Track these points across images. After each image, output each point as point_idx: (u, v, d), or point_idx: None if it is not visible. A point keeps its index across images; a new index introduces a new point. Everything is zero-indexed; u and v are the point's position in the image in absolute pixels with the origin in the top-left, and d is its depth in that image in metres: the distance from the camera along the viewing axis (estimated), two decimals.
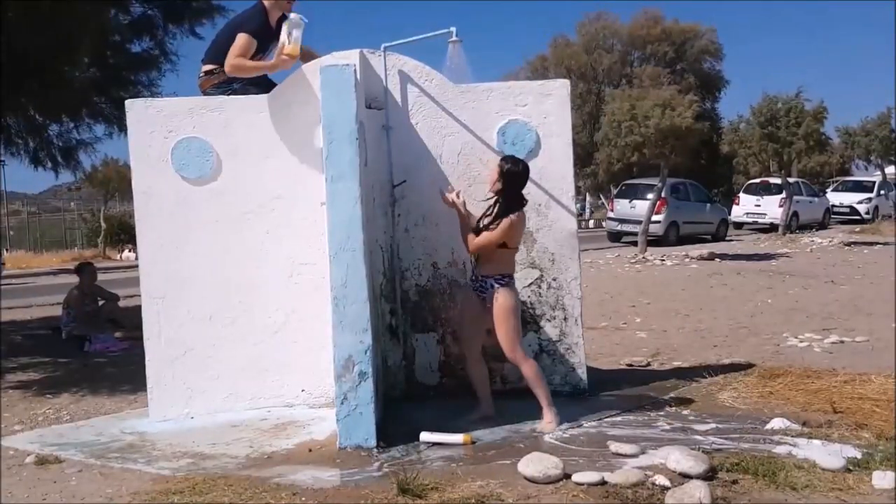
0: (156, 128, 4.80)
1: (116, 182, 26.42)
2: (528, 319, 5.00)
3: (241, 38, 4.89)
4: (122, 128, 6.96)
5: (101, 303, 8.36)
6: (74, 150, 8.74)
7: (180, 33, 8.51)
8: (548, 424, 4.22)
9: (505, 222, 4.22)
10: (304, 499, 3.37)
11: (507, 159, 4.38)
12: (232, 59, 4.88)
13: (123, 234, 24.88)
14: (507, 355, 4.27)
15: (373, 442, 3.96)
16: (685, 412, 4.54)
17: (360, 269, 4.02)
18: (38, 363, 7.06)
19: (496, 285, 4.24)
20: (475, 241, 4.30)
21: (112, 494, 3.57)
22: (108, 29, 7.35)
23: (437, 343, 5.04)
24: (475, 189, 4.98)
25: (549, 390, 4.33)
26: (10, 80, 6.38)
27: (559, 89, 5.02)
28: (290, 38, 4.80)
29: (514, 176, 4.27)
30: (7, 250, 25.68)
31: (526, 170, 4.35)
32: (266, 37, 4.99)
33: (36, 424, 4.95)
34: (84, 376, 6.36)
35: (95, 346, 7.59)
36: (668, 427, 4.25)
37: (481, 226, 4.32)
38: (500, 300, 4.22)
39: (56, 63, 6.61)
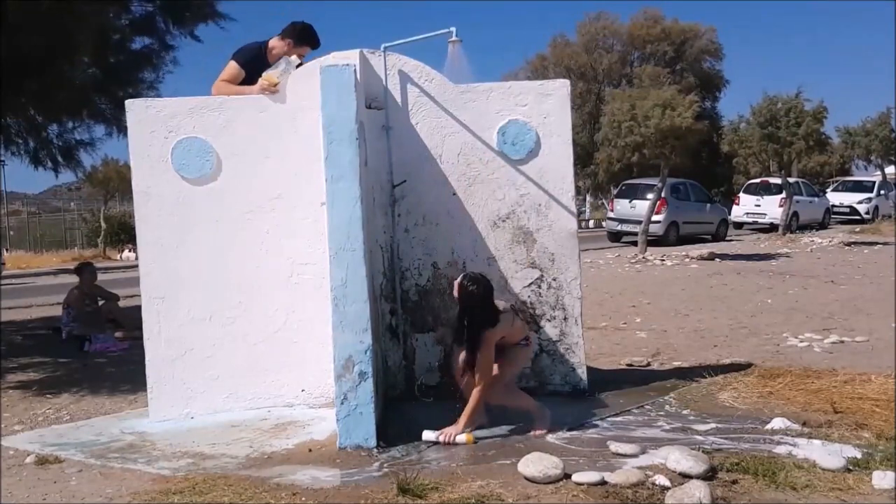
0: (156, 128, 4.80)
1: (116, 182, 26.40)
2: (527, 319, 4.99)
3: (229, 66, 5.07)
4: (122, 128, 6.95)
5: (101, 303, 8.36)
6: (74, 149, 8.73)
7: (181, 35, 8.50)
8: (540, 424, 4.19)
9: (484, 337, 4.01)
10: (304, 499, 3.37)
11: (464, 277, 4.10)
12: (216, 82, 5.07)
13: (123, 234, 24.90)
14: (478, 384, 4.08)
15: (373, 442, 3.96)
16: (685, 412, 4.54)
17: (360, 269, 4.02)
18: (38, 363, 7.06)
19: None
20: (480, 374, 4.05)
21: (112, 494, 3.57)
22: (109, 28, 7.34)
23: (437, 343, 5.03)
24: (475, 189, 4.99)
25: (527, 396, 4.32)
26: (10, 80, 6.37)
27: (559, 89, 5.02)
28: (277, 69, 4.83)
29: (470, 297, 4.03)
30: (7, 250, 25.66)
31: (486, 291, 4.06)
32: (258, 70, 5.01)
33: (36, 424, 4.95)
34: (84, 376, 6.36)
35: (95, 346, 7.59)
36: (668, 427, 4.25)
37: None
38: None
39: (56, 63, 6.60)
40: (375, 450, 3.93)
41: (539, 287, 5.00)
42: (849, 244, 16.66)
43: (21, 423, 4.99)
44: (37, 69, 6.45)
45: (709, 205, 21.17)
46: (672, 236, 19.08)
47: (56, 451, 4.24)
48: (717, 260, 13.99)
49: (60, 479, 3.82)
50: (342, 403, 3.98)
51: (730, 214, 22.67)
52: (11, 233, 31.63)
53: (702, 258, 14.07)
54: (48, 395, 5.72)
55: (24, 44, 6.00)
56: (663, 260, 14.11)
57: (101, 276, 8.94)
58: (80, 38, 6.21)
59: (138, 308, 4.93)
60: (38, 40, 5.99)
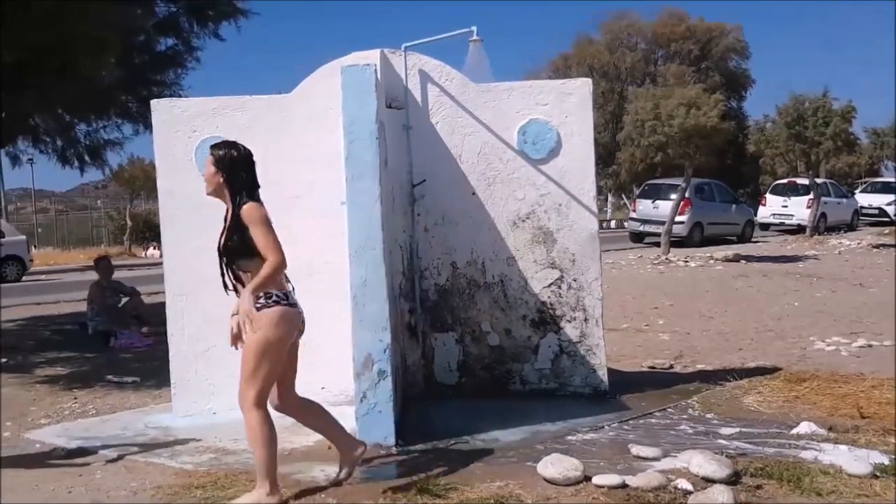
0: (180, 127, 4.84)
1: (142, 181, 26.73)
2: (547, 320, 4.98)
3: None
4: (148, 126, 7.03)
5: (124, 300, 8.44)
6: (101, 148, 8.85)
7: (205, 34, 8.57)
8: (255, 496, 3.22)
9: (255, 213, 3.22)
10: (323, 495, 3.39)
11: (217, 146, 3.38)
12: None
13: (148, 231, 25.25)
14: (239, 394, 3.28)
15: (391, 440, 3.96)
16: (708, 415, 4.49)
17: (379, 268, 4.03)
18: (64, 358, 7.17)
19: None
20: (265, 270, 3.16)
21: (136, 488, 3.61)
22: (135, 29, 7.42)
23: (456, 342, 5.03)
24: (495, 189, 4.98)
25: (274, 460, 3.27)
26: (39, 80, 6.47)
27: (580, 88, 4.99)
28: None
29: (233, 162, 3.31)
30: (35, 247, 26.08)
31: (248, 152, 3.38)
32: None
33: (62, 418, 5.02)
34: (110, 371, 6.44)
35: (120, 342, 7.68)
36: (690, 430, 4.20)
37: (223, 245, 3.29)
38: (256, 328, 3.19)
39: (83, 63, 6.69)
40: (394, 448, 3.93)
41: (559, 288, 4.97)
42: (877, 246, 16.37)
43: (48, 416, 5.06)
44: (64, 69, 6.54)
45: (734, 205, 20.88)
46: (696, 237, 18.86)
47: (82, 445, 4.30)
48: (743, 262, 13.82)
49: (86, 472, 3.87)
50: (361, 401, 3.98)
51: (756, 215, 22.37)
52: (39, 230, 32.17)
53: (727, 260, 13.90)
54: (75, 390, 5.80)
55: (53, 44, 6.09)
56: (687, 261, 13.96)
57: (126, 273, 9.10)
58: (108, 38, 6.28)
59: (163, 304, 4.98)
60: (66, 40, 6.08)
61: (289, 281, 3.39)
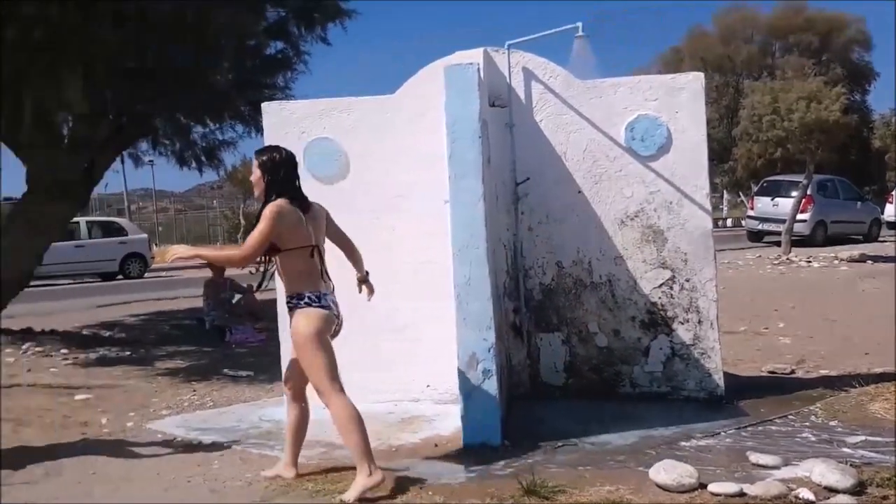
0: (289, 129, 4.99)
1: None
2: (658, 322, 4.82)
3: None
4: (259, 128, 7.28)
5: (237, 296, 8.80)
6: (217, 149, 9.23)
7: (311, 38, 8.77)
8: (360, 483, 3.37)
9: (267, 210, 3.37)
10: (430, 493, 3.40)
11: (261, 151, 3.64)
12: None
13: None
14: (316, 393, 3.54)
15: (497, 440, 3.93)
16: (832, 423, 4.23)
17: (483, 266, 4.01)
18: (184, 352, 7.57)
19: (286, 309, 3.54)
20: (227, 251, 3.56)
21: (251, 479, 3.75)
22: (247, 34, 7.70)
23: (563, 343, 4.95)
24: (602, 186, 4.86)
25: (367, 441, 3.49)
26: (160, 85, 6.81)
27: (692, 82, 4.81)
28: None
29: (275, 165, 3.53)
30: (156, 245, 27.74)
31: (289, 155, 3.59)
32: None
33: (182, 410, 5.28)
34: (226, 365, 6.73)
35: (236, 337, 8.02)
36: (813, 438, 3.96)
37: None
38: (294, 327, 3.44)
39: (201, 69, 7.01)
40: (500, 448, 3.90)
41: (671, 288, 4.79)
42: None
43: (168, 407, 5.34)
44: (184, 75, 6.88)
45: (859, 203, 19.62)
46: (819, 236, 17.82)
47: (200, 436, 4.51)
48: (870, 262, 13.00)
49: (204, 462, 4.05)
50: (466, 400, 3.98)
51: (882, 213, 20.90)
52: (160, 228, 34.22)
53: (852, 260, 13.15)
54: (193, 382, 6.10)
55: (173, 50, 6.42)
56: (809, 261, 13.25)
57: (241, 271, 9.43)
58: (223, 44, 6.56)
59: (275, 301, 5.15)
60: (184, 46, 6.41)
61: (329, 281, 3.56)
